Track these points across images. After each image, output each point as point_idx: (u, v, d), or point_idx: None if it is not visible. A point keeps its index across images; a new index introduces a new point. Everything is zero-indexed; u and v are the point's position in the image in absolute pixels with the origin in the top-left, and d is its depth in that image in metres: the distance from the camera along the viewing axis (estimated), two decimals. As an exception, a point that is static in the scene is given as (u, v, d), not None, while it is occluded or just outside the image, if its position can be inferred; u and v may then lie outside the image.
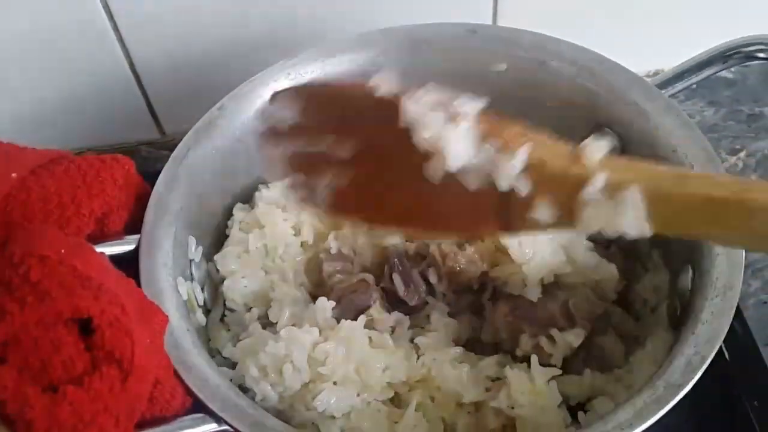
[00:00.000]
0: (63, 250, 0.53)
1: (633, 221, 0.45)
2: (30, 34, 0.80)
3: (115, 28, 0.81)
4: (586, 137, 0.71)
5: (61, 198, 0.60)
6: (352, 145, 0.54)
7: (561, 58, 0.73)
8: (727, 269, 0.59)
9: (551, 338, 0.65)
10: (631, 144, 0.71)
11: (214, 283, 0.71)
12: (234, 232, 0.73)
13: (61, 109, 0.88)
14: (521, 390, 0.61)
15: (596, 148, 0.47)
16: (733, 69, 0.94)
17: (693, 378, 0.54)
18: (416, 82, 0.75)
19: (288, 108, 0.55)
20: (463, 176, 0.49)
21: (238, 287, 0.70)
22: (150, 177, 0.67)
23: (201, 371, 0.57)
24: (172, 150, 0.69)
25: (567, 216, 0.48)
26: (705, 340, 0.55)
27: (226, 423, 0.54)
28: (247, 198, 0.76)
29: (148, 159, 0.93)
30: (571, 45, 0.73)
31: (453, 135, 0.48)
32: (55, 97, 0.87)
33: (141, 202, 0.66)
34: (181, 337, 0.59)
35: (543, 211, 0.48)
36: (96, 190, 0.62)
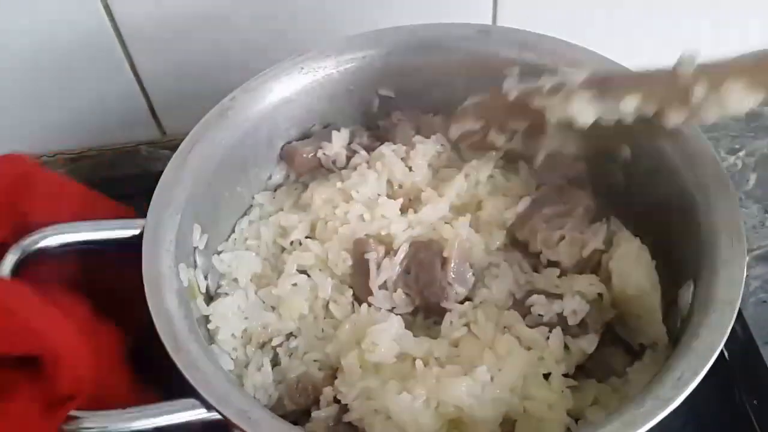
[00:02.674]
0: None
1: (739, 103, 0.55)
2: (32, 36, 0.81)
3: (117, 30, 0.82)
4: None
5: None
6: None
7: (573, 63, 0.72)
8: (726, 285, 0.58)
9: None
10: (641, 152, 0.70)
11: (217, 270, 0.72)
12: (245, 219, 0.76)
13: (63, 110, 0.89)
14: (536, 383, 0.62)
15: (686, 64, 0.58)
16: None
17: (683, 393, 0.53)
18: (426, 81, 0.77)
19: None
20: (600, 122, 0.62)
21: (241, 268, 0.72)
22: (150, 177, 0.67)
23: (194, 357, 0.57)
24: (172, 150, 0.69)
25: (692, 115, 0.58)
26: (698, 355, 0.55)
27: (215, 410, 0.55)
28: (255, 189, 0.77)
29: (149, 159, 0.94)
30: (583, 50, 0.72)
31: (574, 108, 0.62)
32: (56, 97, 0.88)
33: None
34: (179, 323, 0.60)
35: (672, 116, 0.59)
36: None
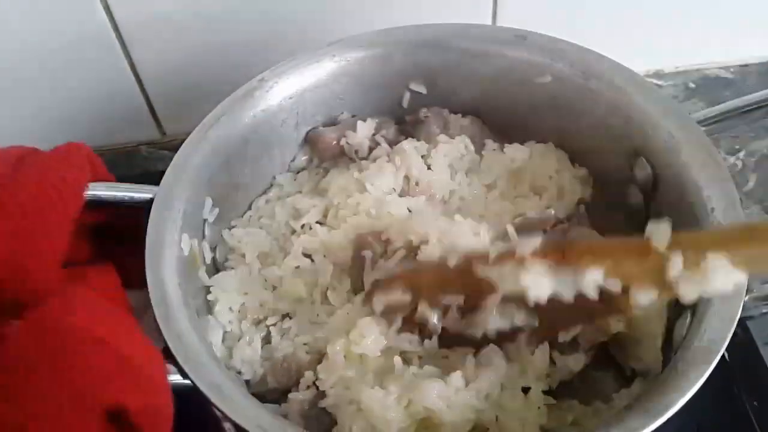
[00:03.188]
0: (104, 330, 0.48)
1: (725, 280, 0.48)
2: (31, 35, 0.82)
3: (116, 30, 0.83)
4: (623, 165, 0.71)
5: (39, 203, 0.58)
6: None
7: (601, 77, 0.71)
8: (717, 322, 0.56)
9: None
10: (662, 177, 0.68)
11: (227, 244, 0.74)
12: (262, 198, 0.78)
13: (63, 110, 0.91)
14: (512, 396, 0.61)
15: (660, 235, 0.51)
16: (732, 69, 0.94)
17: (653, 423, 0.51)
18: (458, 81, 0.76)
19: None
20: (555, 297, 0.54)
21: (250, 245, 0.73)
22: (151, 177, 0.68)
23: (178, 326, 0.59)
24: (172, 150, 0.70)
25: (666, 291, 0.51)
26: (676, 388, 0.53)
27: (189, 378, 0.56)
28: (277, 169, 0.79)
29: (149, 159, 0.95)
30: (612, 62, 0.71)
31: (527, 280, 0.54)
32: (56, 97, 0.89)
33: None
34: (172, 290, 0.62)
35: (642, 296, 0.52)
36: (65, 192, 0.60)
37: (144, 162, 0.94)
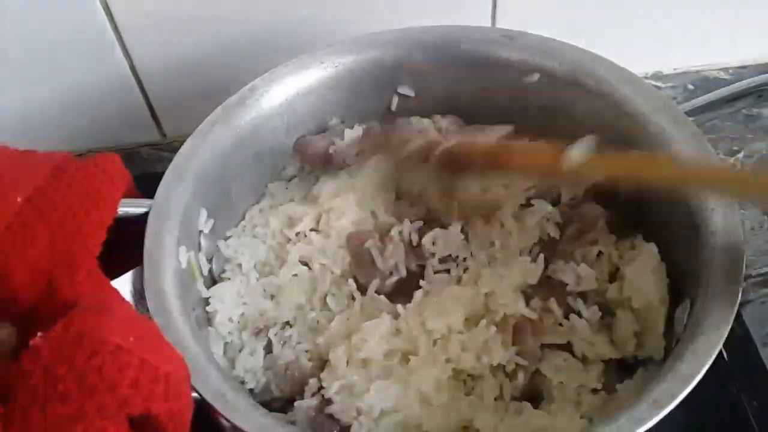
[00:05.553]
0: (131, 338, 0.48)
1: None
2: (31, 35, 0.82)
3: (116, 30, 0.83)
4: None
5: (74, 211, 0.58)
6: None
7: (591, 75, 0.71)
8: (718, 310, 0.57)
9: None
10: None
11: (223, 255, 0.74)
12: (256, 207, 0.78)
13: (63, 111, 0.90)
14: None
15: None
16: (730, 70, 0.95)
17: (657, 416, 0.52)
18: (446, 82, 0.76)
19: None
20: None
21: (246, 255, 0.73)
22: (150, 179, 0.68)
23: (180, 337, 0.59)
24: (172, 152, 0.70)
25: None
26: (678, 378, 0.54)
27: (194, 388, 0.56)
28: (269, 178, 0.79)
29: (149, 160, 0.95)
30: (604, 61, 0.71)
31: None
32: (56, 99, 0.89)
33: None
34: (172, 302, 0.62)
35: None
36: (101, 202, 0.61)
37: (144, 164, 0.94)
